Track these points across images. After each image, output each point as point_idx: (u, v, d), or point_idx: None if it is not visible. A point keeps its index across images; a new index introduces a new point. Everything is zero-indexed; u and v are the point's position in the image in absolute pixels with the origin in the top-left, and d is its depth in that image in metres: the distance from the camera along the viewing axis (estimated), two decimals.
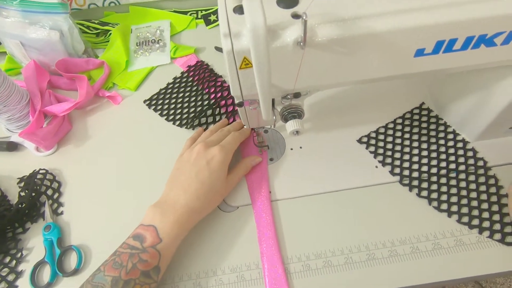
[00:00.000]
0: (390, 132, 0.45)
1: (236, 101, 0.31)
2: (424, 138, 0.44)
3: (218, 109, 0.50)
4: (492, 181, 0.39)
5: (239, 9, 0.25)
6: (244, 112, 0.34)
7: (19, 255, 0.40)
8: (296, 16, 0.24)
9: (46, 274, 0.38)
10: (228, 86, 0.53)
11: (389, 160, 0.42)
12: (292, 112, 0.31)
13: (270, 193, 0.42)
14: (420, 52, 0.27)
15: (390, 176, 0.41)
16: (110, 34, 0.60)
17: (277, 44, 0.24)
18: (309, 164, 0.44)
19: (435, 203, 0.39)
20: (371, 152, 0.43)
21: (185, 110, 0.51)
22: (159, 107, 0.52)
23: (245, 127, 0.44)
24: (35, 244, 0.41)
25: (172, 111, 0.52)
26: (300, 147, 0.45)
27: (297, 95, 0.30)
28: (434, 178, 0.40)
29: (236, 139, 0.41)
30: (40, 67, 0.54)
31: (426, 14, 0.25)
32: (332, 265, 0.36)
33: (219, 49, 0.58)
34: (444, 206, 0.38)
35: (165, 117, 0.51)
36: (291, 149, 0.45)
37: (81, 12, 0.63)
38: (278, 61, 0.25)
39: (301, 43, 0.23)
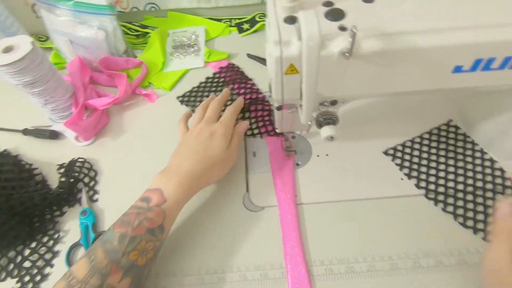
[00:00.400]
0: (417, 146, 0.46)
1: (276, 105, 0.32)
2: (451, 155, 0.44)
3: (248, 113, 0.52)
4: None
5: (289, 20, 0.27)
6: (280, 115, 0.35)
7: (56, 236, 0.42)
8: (342, 28, 0.26)
9: (80, 255, 0.40)
10: (257, 89, 0.55)
11: (415, 173, 0.43)
12: (327, 118, 0.32)
13: (296, 196, 0.43)
14: (458, 69, 0.28)
15: (415, 189, 0.42)
16: (149, 36, 0.64)
17: (324, 53, 0.26)
18: (335, 171, 0.45)
19: (460, 219, 0.39)
20: (397, 164, 0.44)
21: None
22: (191, 103, 0.55)
23: (238, 99, 0.49)
24: (71, 227, 0.43)
25: None
26: (327, 155, 0.47)
27: (334, 102, 0.32)
28: (460, 195, 0.40)
29: (233, 113, 0.45)
30: (84, 63, 0.58)
31: (467, 33, 0.26)
32: (354, 271, 0.37)
33: (251, 56, 0.61)
34: (470, 223, 0.39)
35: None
36: (318, 155, 0.47)
37: (124, 15, 0.67)
38: (323, 69, 0.27)
39: (347, 54, 0.25)
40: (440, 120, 0.48)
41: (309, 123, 0.34)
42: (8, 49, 0.44)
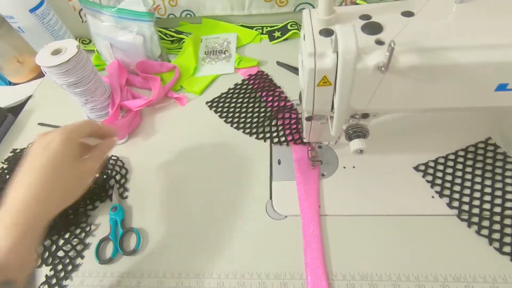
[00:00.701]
0: (451, 163, 0.44)
1: (306, 115, 0.32)
2: (488, 175, 0.42)
3: (275, 120, 0.53)
4: None
5: (325, 32, 0.27)
6: (309, 126, 0.35)
7: (88, 229, 0.45)
8: (379, 42, 0.26)
9: (109, 249, 0.42)
10: (285, 97, 0.56)
11: (447, 192, 0.41)
12: (357, 131, 0.32)
13: (320, 207, 0.42)
14: (502, 87, 0.26)
15: (447, 208, 0.40)
16: (184, 42, 0.66)
17: (359, 66, 0.26)
18: (361, 184, 0.44)
19: (496, 244, 0.37)
20: (428, 181, 0.42)
21: (243, 115, 0.55)
22: (220, 109, 0.56)
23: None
24: (101, 222, 0.46)
25: (231, 114, 0.55)
26: (353, 167, 0.46)
27: (365, 115, 0.31)
28: (497, 218, 0.38)
29: (84, 123, 0.36)
30: (122, 66, 0.61)
31: (510, 50, 0.25)
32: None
33: (280, 64, 0.61)
34: (507, 249, 0.36)
35: (224, 119, 0.55)
36: (344, 167, 0.46)
37: (161, 21, 0.71)
38: (357, 82, 0.26)
39: (383, 68, 0.25)
40: (477, 138, 0.45)
41: (339, 135, 0.33)
42: (56, 52, 0.48)
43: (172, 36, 0.68)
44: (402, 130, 0.48)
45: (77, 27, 0.71)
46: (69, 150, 0.32)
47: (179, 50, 0.67)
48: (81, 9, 0.69)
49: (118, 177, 0.50)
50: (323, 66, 0.26)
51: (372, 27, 0.27)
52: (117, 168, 0.50)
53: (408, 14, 0.28)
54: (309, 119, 0.33)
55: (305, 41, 0.28)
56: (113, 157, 0.52)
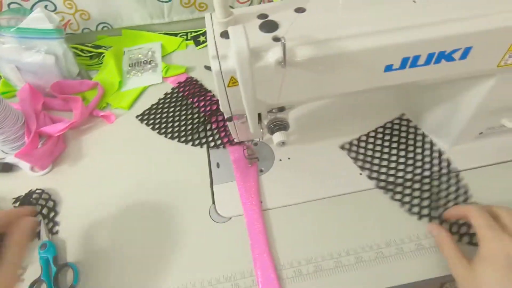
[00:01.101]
0: (371, 140, 0.48)
1: (226, 116, 0.33)
2: (402, 146, 0.47)
3: (209, 125, 0.53)
4: (462, 190, 0.42)
5: (225, 34, 0.28)
6: (233, 126, 0.36)
7: None
8: (276, 39, 0.27)
9: None
10: (217, 100, 0.56)
11: (368, 165, 0.45)
12: (277, 124, 0.33)
13: (261, 202, 0.43)
14: (389, 68, 0.30)
15: (375, 182, 0.44)
16: (103, 56, 0.63)
17: (261, 64, 0.27)
18: (297, 173, 0.46)
19: (407, 206, 0.41)
20: (352, 157, 0.46)
21: (176, 123, 0.54)
22: (151, 121, 0.55)
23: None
24: (30, 263, 0.41)
25: (164, 125, 0.54)
26: (289, 158, 0.48)
27: (281, 109, 0.33)
28: (408, 183, 0.43)
29: (15, 253, 0.29)
30: (35, 89, 0.56)
31: (392, 34, 0.28)
32: (322, 269, 0.38)
33: (208, 68, 0.62)
34: (416, 209, 0.41)
35: (157, 130, 0.53)
36: (280, 160, 0.48)
37: (75, 36, 0.66)
38: (262, 79, 0.28)
39: (282, 63, 0.26)
40: (394, 115, 0.50)
41: (261, 130, 0.34)
42: None
43: (90, 52, 0.64)
44: (328, 117, 0.51)
45: None
46: None
47: (100, 65, 0.63)
48: None
49: (45, 211, 0.45)
50: (228, 68, 0.27)
51: (268, 26, 0.28)
52: (42, 202, 0.46)
53: (300, 10, 0.29)
54: (229, 119, 0.33)
55: (208, 45, 0.28)
56: (36, 191, 0.47)
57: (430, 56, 0.29)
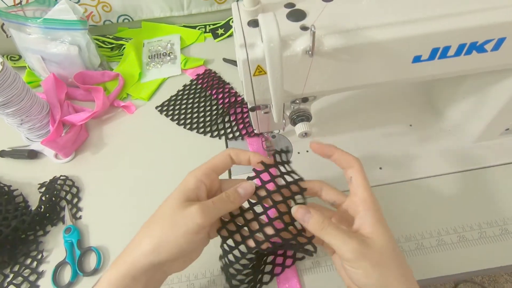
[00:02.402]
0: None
1: (249, 106, 0.33)
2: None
3: (228, 116, 0.53)
4: None
5: (253, 23, 0.28)
6: (255, 116, 0.36)
7: (39, 256, 0.42)
8: (304, 28, 0.27)
9: (67, 274, 0.40)
10: (235, 92, 0.56)
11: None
12: (300, 115, 0.33)
13: None
14: (417, 59, 0.29)
15: (393, 177, 0.43)
16: (124, 48, 0.64)
17: (288, 53, 0.27)
18: (315, 167, 0.46)
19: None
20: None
21: (195, 115, 0.54)
22: (170, 112, 0.55)
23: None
24: (54, 246, 0.43)
25: (182, 116, 0.54)
26: (307, 151, 0.48)
27: (305, 99, 0.33)
28: None
29: (226, 202, 0.28)
30: (59, 79, 0.57)
31: (422, 24, 0.28)
32: None
33: (227, 60, 0.62)
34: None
35: (176, 121, 0.54)
36: (298, 153, 0.48)
37: (97, 28, 0.67)
38: (289, 68, 0.28)
39: (310, 52, 0.26)
40: (416, 108, 0.49)
41: (283, 121, 0.34)
42: None
43: (111, 43, 0.65)
44: (348, 110, 0.51)
45: (2, 43, 0.65)
46: (198, 233, 0.27)
47: (121, 57, 0.64)
48: (3, 24, 0.63)
49: (69, 197, 0.47)
50: (255, 56, 0.27)
51: (296, 14, 0.28)
52: (67, 188, 0.47)
53: None
54: (253, 109, 0.33)
55: (235, 33, 0.28)
56: (61, 177, 0.48)
57: (461, 47, 0.29)
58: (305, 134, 0.33)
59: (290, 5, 0.29)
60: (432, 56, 0.29)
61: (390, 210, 0.41)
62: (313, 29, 0.24)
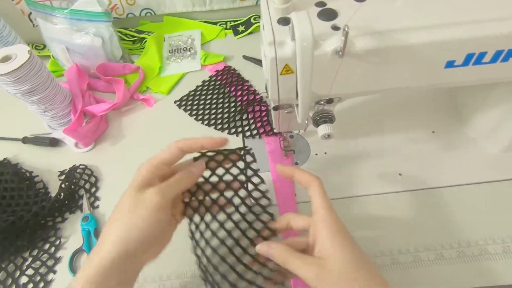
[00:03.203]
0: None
1: (273, 105, 0.33)
2: None
3: (246, 114, 0.53)
4: None
5: (283, 21, 0.28)
6: (277, 115, 0.36)
7: (57, 242, 0.43)
8: (335, 28, 0.27)
9: (83, 261, 0.41)
10: (254, 90, 0.56)
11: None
12: (324, 117, 0.33)
13: (296, 195, 0.43)
14: (450, 64, 0.28)
15: (413, 184, 0.42)
16: (146, 41, 0.64)
17: (317, 53, 0.26)
18: (333, 169, 0.45)
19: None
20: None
21: (213, 111, 0.54)
22: (189, 107, 0.56)
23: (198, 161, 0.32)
24: (72, 233, 0.44)
25: (201, 111, 0.55)
26: (325, 153, 0.47)
27: (330, 101, 0.32)
28: None
29: (180, 181, 0.30)
30: (81, 70, 0.58)
31: (458, 28, 0.27)
32: None
33: (247, 57, 0.61)
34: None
35: (194, 117, 0.54)
36: (316, 154, 0.47)
37: (120, 21, 0.68)
38: (317, 68, 0.27)
39: (340, 53, 0.26)
40: (440, 114, 0.48)
41: (306, 122, 0.34)
42: (6, 59, 0.44)
43: (133, 36, 0.66)
44: (369, 114, 0.50)
45: (29, 32, 0.66)
46: (159, 213, 0.28)
47: (142, 50, 0.65)
48: (31, 13, 0.64)
49: (87, 186, 0.48)
50: (284, 55, 0.27)
51: (327, 14, 0.28)
52: (86, 177, 0.48)
53: None
54: (276, 108, 0.33)
55: (265, 31, 0.28)
56: (80, 166, 0.49)
57: (497, 54, 0.28)
58: (328, 136, 0.33)
59: (321, 4, 0.28)
60: (466, 62, 0.28)
61: (409, 218, 0.40)
62: (346, 29, 0.23)
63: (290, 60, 0.27)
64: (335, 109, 0.36)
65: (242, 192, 0.33)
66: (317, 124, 0.33)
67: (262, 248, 0.28)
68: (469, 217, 0.39)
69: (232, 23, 0.69)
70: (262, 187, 0.32)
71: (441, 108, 0.49)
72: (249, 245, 0.30)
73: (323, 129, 0.32)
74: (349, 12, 0.27)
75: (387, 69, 0.28)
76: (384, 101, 0.51)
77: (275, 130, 0.42)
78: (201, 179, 0.32)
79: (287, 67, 0.27)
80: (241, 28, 0.67)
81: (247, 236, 0.30)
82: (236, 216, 0.31)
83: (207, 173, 0.33)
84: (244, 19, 0.68)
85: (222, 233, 0.30)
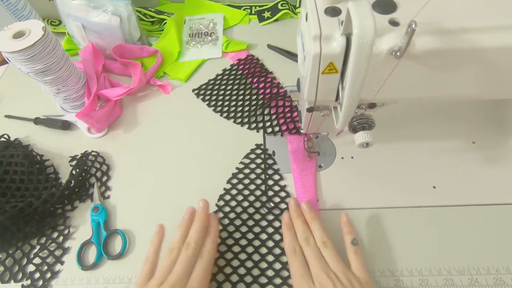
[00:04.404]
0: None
1: (307, 106, 0.29)
2: None
3: (268, 109, 0.49)
4: None
5: (331, 11, 0.24)
6: (309, 117, 0.32)
7: (66, 231, 0.41)
8: (393, 23, 0.23)
9: (92, 254, 0.39)
10: (278, 83, 0.52)
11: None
12: (363, 123, 0.29)
13: (318, 201, 0.40)
14: None
15: (448, 199, 0.39)
16: (165, 23, 0.61)
17: None
18: (361, 176, 0.42)
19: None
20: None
21: (233, 103, 0.51)
22: (207, 97, 0.52)
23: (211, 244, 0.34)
24: (81, 223, 0.42)
25: (220, 103, 0.51)
26: (352, 157, 0.44)
27: (372, 105, 0.29)
28: None
29: (206, 269, 0.32)
30: (97, 50, 0.55)
31: None
32: (381, 287, 0.34)
33: (272, 47, 0.57)
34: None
35: (213, 108, 0.51)
36: (342, 158, 0.44)
37: (139, 0, 0.64)
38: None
39: (398, 53, 0.22)
40: (473, 122, 0.44)
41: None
42: (19, 34, 0.42)
43: (152, 17, 0.62)
44: (403, 116, 0.46)
45: (44, 7, 0.63)
46: None
47: (161, 32, 0.61)
48: None
49: (98, 174, 0.46)
50: (330, 51, 0.23)
51: (385, 5, 0.23)
52: (97, 165, 0.46)
53: None
54: (310, 110, 0.30)
55: (308, 22, 0.24)
56: (92, 153, 0.47)
57: None
58: (366, 145, 0.29)
59: None
60: None
61: (441, 237, 0.37)
62: (413, 26, 0.19)
63: (337, 58, 0.23)
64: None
65: None
66: (354, 130, 0.30)
67: None
68: (509, 240, 0.36)
69: (258, 8, 0.64)
70: None
71: (483, 116, 0.44)
72: None
73: (361, 136, 0.29)
74: (410, 5, 0.23)
75: (448, 75, 0.24)
76: (419, 105, 0.47)
77: (302, 131, 0.38)
78: None
79: (331, 66, 0.24)
80: (266, 14, 0.63)
81: None
82: None
83: None
84: (271, 4, 0.63)
85: None
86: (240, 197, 0.41)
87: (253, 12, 0.64)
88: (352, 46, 0.19)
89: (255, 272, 0.36)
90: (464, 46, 0.22)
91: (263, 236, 0.38)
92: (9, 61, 0.42)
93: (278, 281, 0.35)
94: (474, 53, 0.23)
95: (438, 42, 0.22)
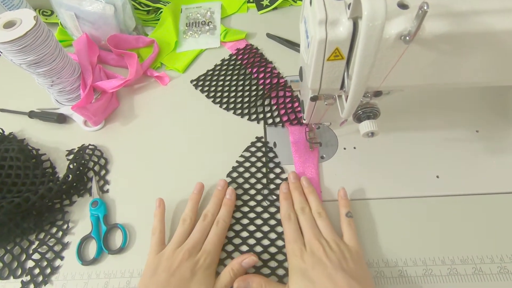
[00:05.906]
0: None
1: (311, 94, 0.28)
2: None
3: (268, 99, 0.48)
4: None
5: None
6: (313, 106, 0.31)
7: (65, 226, 0.40)
8: (402, 5, 0.22)
9: (92, 249, 0.38)
10: (278, 73, 0.51)
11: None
12: (367, 112, 0.28)
13: (321, 192, 0.40)
14: None
15: (452, 189, 0.38)
16: (161, 12, 0.59)
17: None
18: (364, 166, 0.41)
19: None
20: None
21: (233, 94, 0.50)
22: (206, 88, 0.51)
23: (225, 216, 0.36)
24: (80, 218, 0.41)
25: (219, 93, 0.50)
26: (354, 148, 0.43)
27: (378, 93, 0.28)
28: None
29: (220, 235, 0.35)
30: (92, 41, 0.54)
31: None
32: (385, 276, 0.34)
33: (271, 36, 0.56)
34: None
35: (212, 99, 0.50)
36: (344, 148, 0.43)
37: None
38: None
39: (407, 37, 0.21)
40: (483, 111, 0.43)
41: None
42: (9, 24, 0.40)
43: (148, 6, 0.60)
44: (406, 106, 0.45)
45: None
46: (211, 277, 0.33)
47: (157, 22, 0.59)
48: None
49: (96, 168, 0.45)
50: (336, 37, 0.22)
51: None
52: (95, 159, 0.45)
53: None
54: (314, 99, 0.29)
55: (313, 6, 0.23)
56: (89, 146, 0.46)
57: None
58: (371, 134, 0.28)
59: None
60: None
61: (445, 226, 0.36)
62: (425, 7, 0.18)
63: (343, 43, 0.22)
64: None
65: None
66: (359, 119, 0.29)
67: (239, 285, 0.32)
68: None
69: None
70: None
71: (486, 104, 0.44)
72: None
73: (366, 126, 0.28)
74: None
75: (459, 60, 0.23)
76: (422, 93, 0.46)
77: (304, 121, 0.37)
78: None
79: (337, 52, 0.23)
80: (265, 2, 0.61)
81: None
82: None
83: None
84: None
85: None
86: (240, 191, 0.40)
87: (251, 0, 0.62)
88: (361, 30, 0.18)
89: (258, 263, 0.35)
90: (476, 29, 0.21)
91: (265, 228, 0.38)
92: (1, 52, 0.41)
93: (281, 272, 0.35)
94: (486, 37, 0.22)
95: (449, 26, 0.21)
